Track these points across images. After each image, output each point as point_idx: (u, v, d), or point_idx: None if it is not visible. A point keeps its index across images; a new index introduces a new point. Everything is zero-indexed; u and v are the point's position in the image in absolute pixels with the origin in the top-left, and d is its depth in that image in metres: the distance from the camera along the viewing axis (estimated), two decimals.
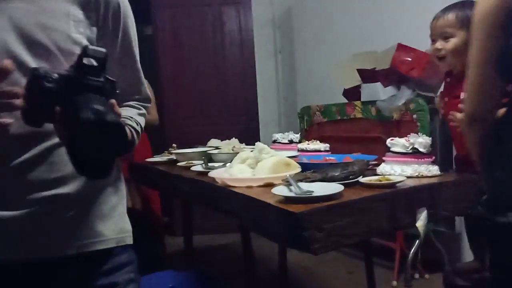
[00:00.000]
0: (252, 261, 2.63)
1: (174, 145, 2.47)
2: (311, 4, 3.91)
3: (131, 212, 2.99)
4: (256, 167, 1.52)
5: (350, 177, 1.36)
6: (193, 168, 1.82)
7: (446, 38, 1.60)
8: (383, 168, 1.48)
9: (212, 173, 1.57)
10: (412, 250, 2.62)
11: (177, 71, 3.90)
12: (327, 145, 1.87)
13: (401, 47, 2.55)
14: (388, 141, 1.50)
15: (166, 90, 3.89)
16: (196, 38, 3.90)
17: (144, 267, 2.44)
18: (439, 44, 1.62)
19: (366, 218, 1.19)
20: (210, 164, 1.82)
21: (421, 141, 1.46)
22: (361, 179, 1.35)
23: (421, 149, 1.44)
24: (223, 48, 3.94)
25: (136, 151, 3.10)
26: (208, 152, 2.06)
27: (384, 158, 1.51)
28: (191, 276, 1.87)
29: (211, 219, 3.68)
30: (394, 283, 2.62)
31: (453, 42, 1.58)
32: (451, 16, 1.58)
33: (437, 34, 1.63)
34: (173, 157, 2.20)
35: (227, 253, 3.44)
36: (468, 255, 1.83)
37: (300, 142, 2.08)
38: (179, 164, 2.04)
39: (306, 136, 3.19)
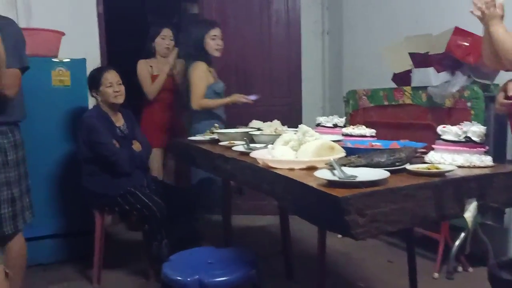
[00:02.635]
0: (289, 243, 2.64)
1: (216, 125, 2.49)
2: None
3: (165, 186, 3.07)
4: (299, 149, 1.50)
5: (397, 163, 1.32)
6: (235, 148, 1.82)
7: None
8: (432, 156, 1.42)
9: (254, 154, 1.57)
10: (457, 242, 2.53)
11: (221, 51, 3.88)
12: (373, 130, 1.82)
13: (458, 31, 2.42)
14: (440, 129, 1.44)
15: None
16: (242, 17, 3.87)
17: (182, 241, 2.52)
18: None
19: (411, 205, 1.16)
20: (251, 145, 1.82)
21: (475, 129, 1.39)
22: (408, 167, 1.31)
23: (474, 138, 1.38)
24: (269, 28, 3.89)
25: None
26: (250, 133, 2.06)
27: (434, 146, 1.45)
28: (231, 252, 1.89)
29: (250, 200, 3.71)
30: (436, 275, 2.55)
31: None
32: None
33: None
34: (215, 136, 2.22)
35: (265, 234, 3.46)
36: None
37: (344, 126, 2.04)
38: (221, 143, 2.05)
39: (351, 120, 3.13)
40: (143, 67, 3.28)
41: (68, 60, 2.85)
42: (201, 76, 2.97)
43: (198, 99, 2.97)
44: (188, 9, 5.06)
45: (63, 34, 2.94)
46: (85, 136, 2.49)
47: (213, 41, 3.00)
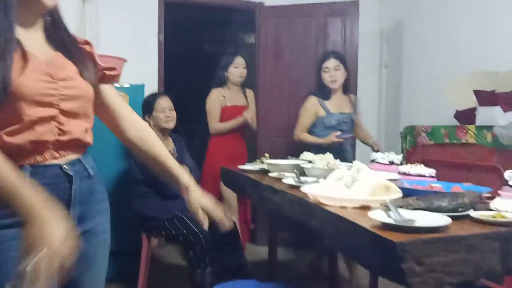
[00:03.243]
0: (337, 283, 2.53)
1: (266, 154, 2.46)
2: (424, 17, 3.69)
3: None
4: (352, 187, 1.44)
5: (459, 209, 1.23)
6: (284, 180, 1.78)
7: None
8: (498, 203, 1.30)
9: (304, 188, 1.52)
10: None
11: (276, 81, 3.89)
12: (433, 170, 1.72)
13: None
14: (507, 174, 1.34)
15: (262, 98, 3.89)
16: (298, 49, 3.87)
17: (227, 270, 2.48)
18: None
19: (474, 257, 1.07)
20: (302, 178, 1.77)
21: None
22: (472, 213, 1.21)
23: None
24: None
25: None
26: (301, 165, 2.01)
27: (500, 192, 1.34)
28: (275, 287, 1.83)
29: (296, 233, 3.61)
30: None
31: None
32: None
33: None
34: (265, 167, 2.19)
35: (311, 269, 3.33)
36: None
37: (401, 164, 1.94)
38: (270, 174, 2.02)
39: (408, 158, 3.00)
40: (216, 98, 3.26)
41: (128, 85, 2.97)
42: (306, 109, 3.02)
43: (298, 132, 3.02)
44: (245, 39, 5.17)
45: (125, 60, 3.08)
46: (136, 158, 2.56)
47: (326, 74, 2.94)
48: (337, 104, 3.00)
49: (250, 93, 3.41)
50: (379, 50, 4.17)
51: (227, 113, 3.27)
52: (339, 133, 2.85)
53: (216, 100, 3.25)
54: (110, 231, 3.12)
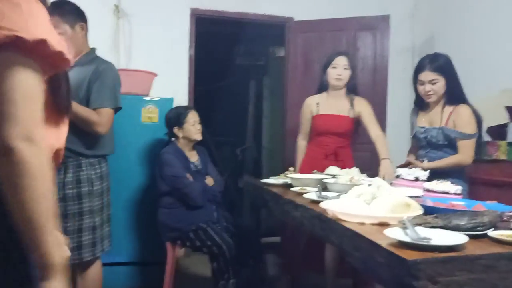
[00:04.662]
0: None
1: (291, 168, 2.47)
2: (456, 32, 3.62)
3: (237, 225, 3.06)
4: (371, 203, 1.43)
5: (478, 228, 1.21)
6: (306, 195, 1.79)
7: None
8: None
9: (323, 204, 1.52)
10: None
11: (304, 94, 3.86)
12: (459, 187, 1.68)
13: None
14: None
15: (290, 112, 3.91)
16: None
17: (250, 283, 2.48)
18: None
19: (491, 277, 1.05)
20: (324, 193, 1.78)
21: None
22: (490, 233, 1.18)
23: None
24: None
25: None
26: (323, 180, 2.01)
27: None
28: None
29: None
30: None
31: None
32: None
33: None
34: (289, 181, 2.20)
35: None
36: None
37: (428, 181, 1.90)
38: (293, 189, 2.03)
39: None
40: (306, 107, 2.84)
41: (158, 98, 3.05)
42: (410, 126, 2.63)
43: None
44: (275, 52, 5.21)
45: (155, 75, 3.18)
46: (161, 170, 2.64)
47: (421, 87, 2.40)
48: (429, 117, 2.46)
49: (360, 102, 2.78)
50: (411, 65, 4.11)
51: (317, 122, 2.77)
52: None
53: (306, 109, 2.83)
54: (136, 242, 3.19)
